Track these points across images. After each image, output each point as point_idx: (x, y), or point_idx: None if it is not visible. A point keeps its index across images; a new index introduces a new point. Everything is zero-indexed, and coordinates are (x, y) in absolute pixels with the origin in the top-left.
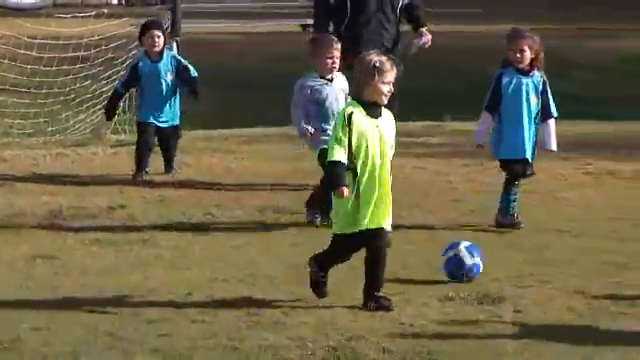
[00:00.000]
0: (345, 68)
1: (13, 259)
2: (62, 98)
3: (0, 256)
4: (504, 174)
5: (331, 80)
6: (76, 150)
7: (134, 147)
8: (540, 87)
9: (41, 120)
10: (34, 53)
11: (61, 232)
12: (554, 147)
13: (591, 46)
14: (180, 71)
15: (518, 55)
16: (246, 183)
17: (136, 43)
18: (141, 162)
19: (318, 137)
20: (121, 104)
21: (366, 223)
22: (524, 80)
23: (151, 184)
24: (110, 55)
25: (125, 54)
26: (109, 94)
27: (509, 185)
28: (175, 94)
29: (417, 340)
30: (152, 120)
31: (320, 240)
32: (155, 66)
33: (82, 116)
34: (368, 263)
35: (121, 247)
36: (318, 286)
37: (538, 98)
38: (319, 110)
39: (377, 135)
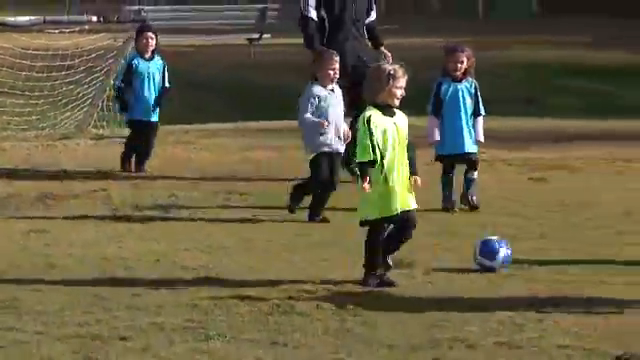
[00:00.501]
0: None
1: (11, 233)
2: (51, 99)
3: (4, 229)
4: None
5: (333, 90)
6: (62, 142)
7: (112, 139)
8: (472, 91)
9: (33, 117)
10: (28, 62)
11: (51, 210)
12: (482, 139)
13: (488, 55)
14: (162, 75)
15: (459, 65)
16: (204, 170)
17: (114, 53)
18: (130, 153)
19: (318, 142)
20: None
21: (399, 207)
22: (459, 86)
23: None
24: (90, 64)
25: (103, 63)
26: (90, 96)
27: (446, 176)
28: (156, 93)
29: (347, 297)
30: (141, 117)
31: (270, 216)
32: (147, 64)
33: (67, 114)
34: (393, 238)
35: (100, 223)
36: (388, 282)
37: (472, 100)
38: (323, 115)
39: (395, 129)
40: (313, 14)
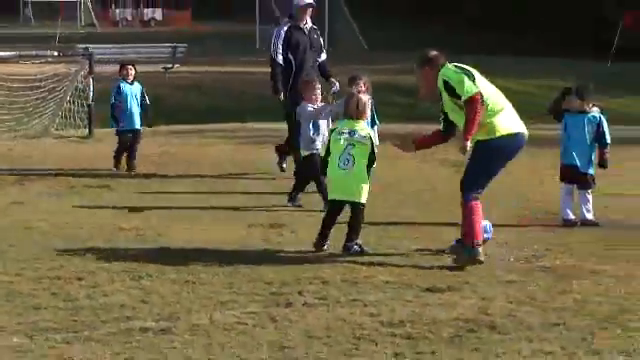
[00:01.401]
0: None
1: None
2: (24, 110)
3: None
4: None
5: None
6: (33, 140)
7: (68, 138)
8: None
9: (12, 123)
10: (7, 84)
11: (28, 187)
12: (377, 143)
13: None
14: (142, 95)
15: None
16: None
17: (69, 77)
18: (120, 155)
19: (310, 143)
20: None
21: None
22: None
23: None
24: (52, 85)
25: (61, 84)
26: (52, 107)
27: None
28: (138, 109)
29: (239, 252)
30: (127, 126)
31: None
32: (130, 87)
33: (36, 121)
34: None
35: (62, 197)
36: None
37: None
38: (315, 126)
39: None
40: (280, 59)
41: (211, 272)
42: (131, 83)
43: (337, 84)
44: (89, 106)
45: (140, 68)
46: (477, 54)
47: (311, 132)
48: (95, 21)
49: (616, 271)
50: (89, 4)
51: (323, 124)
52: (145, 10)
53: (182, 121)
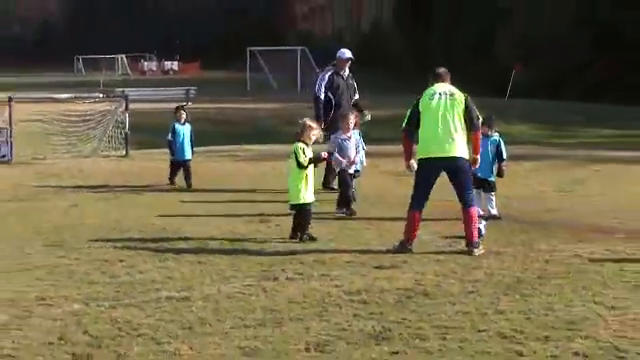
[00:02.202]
0: (329, 131)
1: (58, 207)
2: (78, 137)
3: (56, 205)
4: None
5: (349, 137)
6: (85, 159)
7: (109, 157)
8: (359, 137)
9: (70, 146)
10: (66, 117)
11: (82, 194)
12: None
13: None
14: (191, 133)
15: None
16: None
17: (111, 113)
18: (174, 177)
19: (341, 163)
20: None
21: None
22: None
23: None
24: (98, 118)
25: (105, 118)
26: (98, 135)
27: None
28: (189, 144)
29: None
30: (179, 157)
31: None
32: (182, 127)
33: (87, 145)
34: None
35: (111, 201)
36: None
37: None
38: (345, 152)
39: None
40: (322, 97)
41: (218, 256)
42: (183, 124)
43: (369, 115)
44: (126, 134)
45: (162, 105)
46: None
47: (336, 156)
48: (129, 71)
49: (514, 252)
50: (124, 59)
51: (351, 150)
52: (165, 63)
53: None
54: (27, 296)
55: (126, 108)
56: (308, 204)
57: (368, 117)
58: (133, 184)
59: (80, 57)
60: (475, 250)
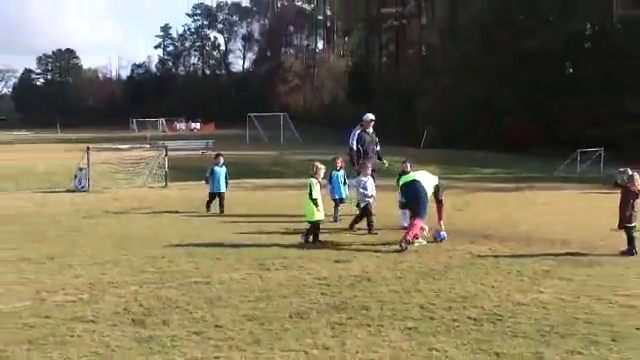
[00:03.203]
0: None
1: (121, 221)
2: (133, 174)
3: (119, 219)
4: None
5: (369, 177)
6: (138, 189)
7: (154, 188)
8: (344, 174)
9: (127, 180)
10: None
11: (136, 213)
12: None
13: None
14: (226, 173)
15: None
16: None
17: (155, 157)
18: (210, 205)
19: (363, 196)
20: (208, 181)
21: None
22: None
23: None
24: (146, 162)
25: (151, 161)
26: (146, 173)
27: None
28: (224, 180)
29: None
30: (216, 190)
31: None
32: (220, 169)
33: (139, 179)
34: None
35: (158, 218)
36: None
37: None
38: (366, 189)
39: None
40: (354, 148)
41: (229, 254)
42: (220, 166)
43: (387, 163)
44: (165, 172)
45: (188, 153)
46: None
47: (363, 192)
48: (166, 129)
49: (428, 249)
50: (163, 121)
51: (371, 187)
52: (191, 123)
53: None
54: (101, 281)
55: (166, 154)
56: (319, 220)
57: (386, 164)
58: (173, 207)
59: (134, 119)
60: (404, 245)
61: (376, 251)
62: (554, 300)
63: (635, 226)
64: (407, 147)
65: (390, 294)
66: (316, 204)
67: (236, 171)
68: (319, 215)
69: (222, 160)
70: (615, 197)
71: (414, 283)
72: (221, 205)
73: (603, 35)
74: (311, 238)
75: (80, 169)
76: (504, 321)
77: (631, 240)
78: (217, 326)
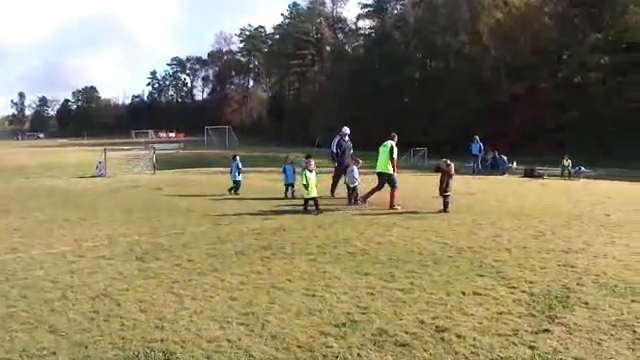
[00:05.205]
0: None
1: (128, 194)
2: (132, 165)
3: (126, 193)
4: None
5: (354, 169)
6: (136, 175)
7: (147, 173)
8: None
9: (129, 169)
10: (127, 156)
11: (137, 189)
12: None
13: None
14: (238, 165)
15: (355, 164)
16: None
17: (148, 153)
18: (236, 188)
19: (352, 179)
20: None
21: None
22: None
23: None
24: (142, 157)
25: (145, 157)
26: (141, 165)
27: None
28: (238, 170)
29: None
30: (234, 179)
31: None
32: (236, 162)
33: (138, 168)
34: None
35: (151, 192)
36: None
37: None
38: (354, 175)
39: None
40: (334, 150)
41: (196, 214)
42: (235, 160)
43: (361, 161)
44: (154, 164)
45: (168, 152)
46: None
47: (353, 177)
48: (154, 137)
49: (324, 212)
50: (152, 132)
51: (356, 173)
52: (170, 133)
53: (182, 166)
54: (114, 233)
55: (154, 152)
56: (314, 197)
57: (361, 162)
58: (158, 186)
59: (133, 131)
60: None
61: (294, 212)
62: (399, 240)
63: (449, 194)
64: (305, 147)
65: (298, 238)
66: (306, 187)
67: (196, 162)
68: (310, 193)
69: (238, 158)
70: (435, 178)
71: (313, 231)
72: (236, 189)
73: (425, 80)
74: (307, 207)
75: (99, 162)
76: (369, 254)
77: (446, 204)
78: (189, 260)
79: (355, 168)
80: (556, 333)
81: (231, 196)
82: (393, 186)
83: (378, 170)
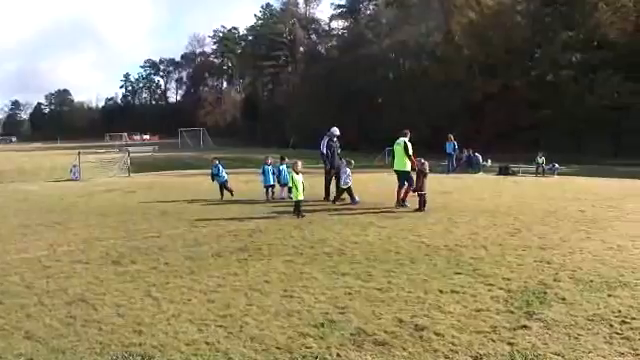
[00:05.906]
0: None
1: (104, 198)
2: (107, 169)
3: (101, 197)
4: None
5: (347, 170)
6: (111, 178)
7: (122, 176)
8: (286, 168)
9: (104, 172)
10: (102, 159)
11: (112, 193)
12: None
13: None
14: (222, 167)
15: (347, 165)
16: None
17: (122, 158)
18: (221, 192)
19: (347, 179)
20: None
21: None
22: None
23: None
24: (117, 160)
25: (120, 160)
26: (116, 169)
27: None
28: (224, 172)
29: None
30: (221, 181)
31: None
32: (218, 166)
33: (112, 172)
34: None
35: (126, 195)
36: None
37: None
38: (348, 176)
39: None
40: (324, 152)
41: (172, 217)
42: (219, 164)
43: (353, 162)
44: (128, 167)
45: (142, 154)
46: None
47: (346, 177)
48: (127, 140)
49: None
50: (125, 135)
51: (349, 174)
52: (144, 135)
53: (156, 168)
54: (90, 237)
55: (128, 155)
56: (301, 200)
57: (353, 163)
58: (132, 189)
59: (107, 134)
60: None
61: (272, 213)
62: (376, 240)
63: (425, 193)
64: (279, 148)
65: (274, 239)
66: (296, 189)
67: (171, 165)
68: (297, 196)
69: (217, 162)
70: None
71: (289, 232)
72: (228, 190)
73: (399, 80)
74: (299, 209)
75: (74, 166)
76: (346, 254)
77: (423, 203)
78: (166, 263)
79: (348, 170)
80: (534, 329)
81: (208, 198)
82: (410, 183)
83: (396, 169)
